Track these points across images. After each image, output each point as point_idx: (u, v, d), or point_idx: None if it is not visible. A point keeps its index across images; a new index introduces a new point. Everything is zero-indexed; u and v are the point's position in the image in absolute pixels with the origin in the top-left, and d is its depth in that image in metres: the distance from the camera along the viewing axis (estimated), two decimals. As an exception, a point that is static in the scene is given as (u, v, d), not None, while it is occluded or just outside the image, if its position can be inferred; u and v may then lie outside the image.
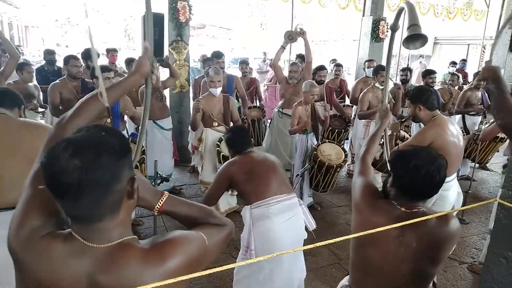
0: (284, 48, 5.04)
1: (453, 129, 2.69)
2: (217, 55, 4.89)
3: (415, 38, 1.92)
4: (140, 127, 1.49)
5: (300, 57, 6.45)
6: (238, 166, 2.43)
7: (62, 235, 0.91)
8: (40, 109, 4.64)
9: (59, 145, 0.82)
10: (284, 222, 2.30)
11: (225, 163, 2.55)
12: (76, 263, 0.87)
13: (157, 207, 1.07)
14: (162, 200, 1.08)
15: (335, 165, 3.73)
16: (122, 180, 0.87)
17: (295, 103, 4.06)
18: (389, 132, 2.75)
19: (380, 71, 4.52)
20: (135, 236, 0.97)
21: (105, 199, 0.84)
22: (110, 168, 0.83)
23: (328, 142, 4.09)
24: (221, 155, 3.53)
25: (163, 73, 4.86)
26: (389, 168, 1.66)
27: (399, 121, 4.01)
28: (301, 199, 3.91)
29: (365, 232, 1.15)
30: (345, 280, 1.75)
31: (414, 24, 1.85)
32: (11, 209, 1.72)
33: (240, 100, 5.07)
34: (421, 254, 1.45)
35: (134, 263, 0.88)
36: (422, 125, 2.89)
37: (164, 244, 0.94)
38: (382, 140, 3.56)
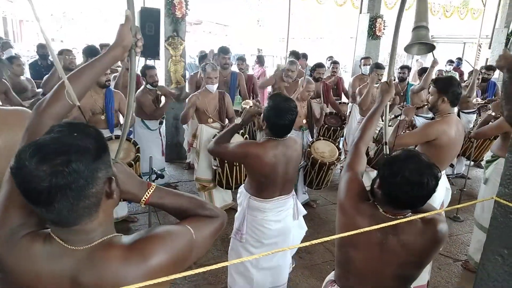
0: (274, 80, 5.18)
1: (459, 129, 2.64)
2: (225, 51, 4.86)
3: (420, 44, 1.72)
4: (124, 119, 1.40)
5: (294, 53, 6.44)
6: (263, 156, 2.15)
7: (43, 235, 0.88)
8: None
9: (26, 150, 0.77)
10: (274, 213, 2.37)
11: (251, 143, 2.34)
12: (57, 265, 0.85)
13: (144, 200, 1.03)
14: (149, 192, 1.03)
15: (328, 163, 3.72)
16: (97, 183, 0.83)
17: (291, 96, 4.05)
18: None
19: (375, 69, 4.52)
20: (118, 234, 0.94)
21: (80, 203, 0.80)
22: (83, 172, 0.78)
23: (323, 139, 4.08)
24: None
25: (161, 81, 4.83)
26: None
27: (414, 107, 4.00)
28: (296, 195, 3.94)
29: (350, 233, 1.15)
30: (331, 275, 1.72)
31: (420, 25, 1.60)
32: None
33: (241, 96, 5.06)
34: (404, 259, 1.42)
35: (115, 263, 0.86)
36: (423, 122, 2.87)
37: (146, 241, 0.90)
38: (376, 135, 3.55)
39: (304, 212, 2.69)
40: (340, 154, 3.95)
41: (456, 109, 2.65)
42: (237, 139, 3.68)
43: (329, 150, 3.90)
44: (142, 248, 0.88)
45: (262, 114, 2.22)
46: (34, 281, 0.85)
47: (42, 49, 5.63)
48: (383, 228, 1.33)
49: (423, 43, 1.63)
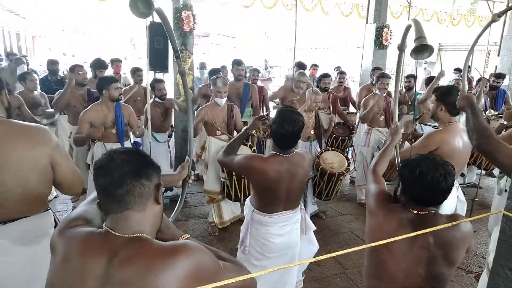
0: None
1: (464, 138, 2.64)
2: (239, 62, 4.92)
3: (422, 49, 2.05)
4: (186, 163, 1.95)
5: (299, 65, 6.48)
6: (266, 171, 2.15)
7: (96, 229, 1.07)
8: (51, 116, 4.65)
9: (113, 149, 1.10)
10: (279, 229, 2.35)
11: (257, 157, 2.29)
12: (99, 249, 1.00)
13: None
14: (182, 238, 1.20)
15: (337, 173, 3.70)
16: (151, 179, 1.07)
17: (299, 109, 4.06)
18: (401, 130, 2.71)
19: (380, 78, 4.53)
20: (157, 240, 1.08)
21: (136, 187, 1.03)
22: (143, 164, 1.08)
23: (332, 150, 4.07)
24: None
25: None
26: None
27: (412, 120, 4.01)
28: (305, 208, 3.92)
29: (378, 243, 1.15)
30: None
31: (420, 36, 1.98)
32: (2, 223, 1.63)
33: (253, 108, 5.10)
34: (434, 255, 1.50)
35: (146, 256, 0.97)
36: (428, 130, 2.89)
37: (180, 246, 1.03)
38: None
39: (314, 228, 2.64)
40: (349, 164, 3.94)
41: (461, 118, 2.68)
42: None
43: (338, 160, 3.88)
44: (175, 249, 1.00)
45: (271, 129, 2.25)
46: (74, 257, 1.01)
47: (52, 65, 5.75)
48: (412, 224, 1.50)
49: (424, 49, 2.05)
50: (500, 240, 1.11)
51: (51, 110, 4.54)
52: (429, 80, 5.22)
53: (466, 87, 2.31)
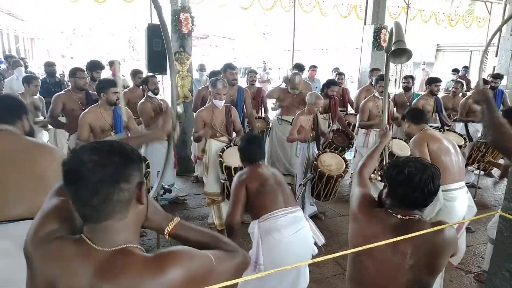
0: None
1: (443, 138, 2.94)
2: (232, 66, 4.92)
3: (400, 52, 2.03)
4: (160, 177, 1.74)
5: (298, 66, 6.49)
6: (251, 176, 2.45)
7: (73, 238, 0.97)
8: (49, 126, 4.65)
9: (82, 146, 0.95)
10: (293, 234, 2.30)
11: (237, 175, 2.56)
12: (81, 265, 0.91)
13: (167, 231, 1.11)
14: (172, 224, 1.11)
15: (335, 176, 3.71)
16: (131, 181, 0.94)
17: (298, 112, 4.07)
18: (378, 141, 2.79)
19: (379, 81, 4.53)
20: (141, 247, 0.98)
21: (114, 194, 0.91)
22: (121, 166, 0.92)
23: (329, 151, 4.08)
24: (223, 166, 3.53)
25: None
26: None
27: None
28: (303, 209, 3.92)
29: (365, 247, 1.15)
30: None
31: (399, 40, 1.95)
32: (14, 221, 1.74)
33: (247, 113, 5.03)
34: (416, 262, 1.47)
35: (134, 270, 0.90)
36: None
37: (166, 255, 0.95)
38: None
39: (323, 241, 2.60)
40: (347, 166, 3.94)
41: (426, 125, 3.11)
42: (230, 153, 3.70)
43: (335, 162, 3.89)
44: (161, 260, 0.93)
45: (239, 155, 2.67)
46: (56, 277, 0.92)
47: (50, 67, 5.76)
48: (395, 230, 1.46)
49: (402, 53, 2.02)
50: (497, 241, 1.12)
51: (42, 119, 4.60)
52: (431, 80, 5.18)
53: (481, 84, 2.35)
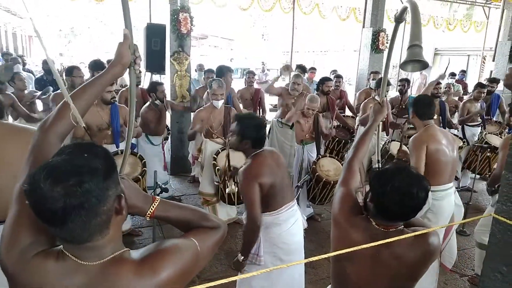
0: (276, 81, 5.17)
1: (444, 138, 2.82)
2: (230, 69, 5.00)
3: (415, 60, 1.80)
4: (126, 133, 1.43)
5: (300, 67, 6.50)
6: (263, 172, 2.20)
7: (54, 253, 0.90)
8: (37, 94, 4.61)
9: (40, 172, 0.80)
10: (291, 227, 2.36)
11: (243, 170, 2.26)
12: (71, 281, 0.87)
13: (149, 213, 1.05)
14: (153, 206, 1.05)
15: (332, 181, 3.71)
16: (108, 201, 0.86)
17: (299, 111, 4.10)
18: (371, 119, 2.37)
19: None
20: (127, 249, 0.97)
21: (92, 221, 0.84)
22: (95, 191, 0.82)
23: (329, 156, 4.08)
24: (216, 169, 3.52)
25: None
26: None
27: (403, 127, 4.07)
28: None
29: (345, 251, 1.16)
30: None
31: (415, 44, 1.70)
32: None
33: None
34: (397, 272, 1.44)
35: (127, 278, 0.89)
36: None
37: (156, 256, 0.94)
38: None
39: (306, 225, 2.65)
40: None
41: (431, 121, 2.88)
42: (238, 155, 3.68)
43: (334, 168, 3.89)
44: (152, 263, 0.92)
45: (237, 137, 2.28)
46: None
47: (47, 65, 5.75)
48: (376, 240, 1.35)
49: (416, 61, 1.73)
50: (490, 243, 1.13)
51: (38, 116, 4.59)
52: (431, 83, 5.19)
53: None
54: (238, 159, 3.64)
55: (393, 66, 19.27)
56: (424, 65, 1.75)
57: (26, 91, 4.74)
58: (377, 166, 2.48)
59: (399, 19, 2.08)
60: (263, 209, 2.28)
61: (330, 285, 1.73)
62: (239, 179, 2.30)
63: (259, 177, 2.18)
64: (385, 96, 2.18)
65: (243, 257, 2.25)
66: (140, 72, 4.11)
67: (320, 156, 4.02)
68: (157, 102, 4.24)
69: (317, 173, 3.75)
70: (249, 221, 2.18)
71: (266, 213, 2.31)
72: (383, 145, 4.51)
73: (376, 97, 4.57)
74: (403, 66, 1.79)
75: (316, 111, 4.09)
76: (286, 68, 5.05)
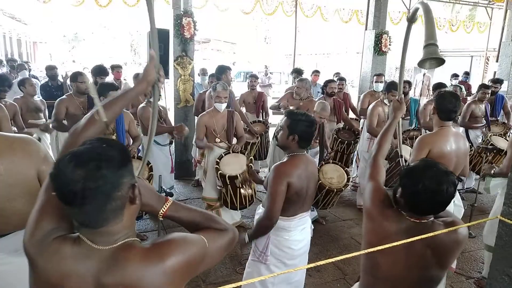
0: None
1: (456, 143, 2.68)
2: (229, 67, 5.02)
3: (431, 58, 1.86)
4: (148, 137, 1.51)
5: (296, 71, 6.51)
6: (297, 174, 2.16)
7: (72, 238, 0.99)
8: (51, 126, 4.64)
9: (64, 158, 0.91)
10: (300, 232, 2.37)
11: (278, 165, 2.20)
12: (83, 265, 0.94)
13: (161, 212, 1.13)
14: (166, 206, 1.13)
15: (335, 190, 3.65)
16: (122, 188, 0.94)
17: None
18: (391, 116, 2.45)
19: (392, 89, 4.38)
20: (137, 239, 1.03)
21: (107, 205, 0.92)
22: (110, 177, 0.91)
23: (332, 162, 4.00)
24: (219, 173, 3.52)
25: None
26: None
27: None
28: None
29: (376, 248, 1.16)
30: (356, 285, 1.81)
31: (431, 43, 1.77)
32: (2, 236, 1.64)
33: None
34: (429, 262, 1.50)
35: (135, 262, 0.95)
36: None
37: (164, 244, 1.01)
38: (389, 153, 3.54)
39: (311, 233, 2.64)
40: (348, 180, 3.84)
41: (450, 123, 2.73)
42: (241, 160, 3.70)
43: (337, 175, 3.79)
44: (160, 249, 0.98)
45: (285, 132, 2.21)
46: (61, 279, 0.94)
47: (51, 71, 5.80)
48: (409, 232, 1.48)
49: (433, 58, 1.81)
50: (496, 245, 1.12)
51: (44, 122, 4.62)
52: (437, 86, 5.13)
53: None
54: (237, 164, 3.65)
55: (396, 68, 19.27)
56: (441, 62, 1.82)
57: (35, 97, 4.79)
58: (401, 163, 2.54)
59: (411, 19, 2.13)
60: (281, 211, 2.25)
61: (357, 282, 1.79)
62: (270, 173, 2.23)
63: (291, 176, 2.14)
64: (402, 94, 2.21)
65: (248, 241, 2.28)
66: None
67: (323, 163, 3.95)
68: (151, 99, 4.26)
69: (319, 181, 3.62)
70: (266, 217, 2.16)
71: (280, 217, 2.27)
72: (390, 149, 4.49)
73: (385, 101, 4.54)
74: (420, 64, 1.86)
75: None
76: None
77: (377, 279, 1.62)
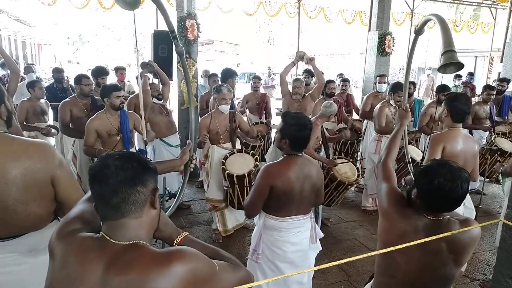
0: (295, 64, 5.10)
1: (465, 144, 2.72)
2: (235, 73, 5.10)
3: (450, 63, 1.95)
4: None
5: (307, 71, 6.50)
6: (282, 178, 2.18)
7: (94, 235, 1.09)
8: (53, 130, 4.67)
9: (108, 154, 1.09)
10: (292, 235, 2.33)
11: (267, 166, 2.25)
12: (96, 257, 1.01)
13: (176, 242, 1.23)
14: (181, 236, 1.24)
15: (353, 182, 3.81)
16: (146, 185, 1.06)
17: (313, 122, 4.07)
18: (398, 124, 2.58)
19: (399, 91, 4.40)
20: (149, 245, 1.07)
21: (131, 194, 1.03)
22: (139, 171, 1.06)
23: (338, 158, 4.08)
24: (226, 173, 3.54)
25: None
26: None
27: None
28: (316, 219, 3.96)
29: (391, 248, 1.16)
30: (368, 286, 1.83)
31: (450, 49, 1.88)
32: (17, 237, 1.65)
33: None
34: (445, 259, 1.54)
35: (142, 263, 0.99)
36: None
37: (174, 251, 1.04)
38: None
39: (321, 235, 2.61)
40: (358, 176, 3.94)
41: (460, 125, 2.75)
42: (248, 160, 3.71)
43: (349, 168, 3.93)
44: (169, 255, 1.01)
45: (278, 135, 2.27)
46: (73, 270, 1.02)
47: (58, 73, 5.83)
48: (426, 229, 1.55)
49: (452, 63, 1.93)
50: (500, 249, 1.12)
51: (47, 124, 4.64)
52: (441, 89, 5.03)
53: None
54: (244, 164, 3.66)
55: (400, 69, 19.21)
56: (460, 66, 1.95)
57: (42, 101, 4.83)
58: (409, 167, 2.70)
59: (419, 31, 2.25)
60: (269, 210, 2.31)
61: (369, 283, 1.81)
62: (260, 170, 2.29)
63: (274, 179, 2.18)
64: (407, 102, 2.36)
65: None
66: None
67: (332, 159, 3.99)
68: (154, 100, 4.34)
69: (338, 179, 3.75)
70: (247, 207, 2.32)
71: (270, 215, 2.31)
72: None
73: (391, 102, 4.54)
74: (441, 69, 1.97)
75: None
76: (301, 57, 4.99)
77: (394, 279, 1.65)
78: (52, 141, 5.19)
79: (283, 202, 2.25)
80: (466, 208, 2.93)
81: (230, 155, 3.73)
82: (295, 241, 2.33)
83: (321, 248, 2.64)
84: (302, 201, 2.29)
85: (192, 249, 1.07)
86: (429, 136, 4.71)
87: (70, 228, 1.11)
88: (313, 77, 6.87)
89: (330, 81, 5.22)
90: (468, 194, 2.92)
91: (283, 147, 2.27)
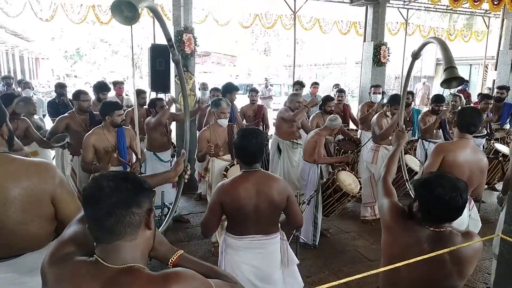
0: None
1: (472, 156, 2.70)
2: (237, 88, 5.21)
3: (452, 78, 2.10)
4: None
5: (299, 83, 6.56)
6: (231, 196, 2.08)
7: (87, 259, 1.06)
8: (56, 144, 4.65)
9: (101, 174, 1.08)
10: (253, 256, 2.17)
11: (220, 184, 2.19)
12: (90, 282, 0.99)
13: (171, 261, 1.22)
14: (176, 255, 1.23)
15: (357, 194, 3.90)
16: (141, 206, 1.04)
17: (317, 133, 4.09)
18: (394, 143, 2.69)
19: (396, 104, 4.42)
20: (145, 267, 1.05)
21: (126, 216, 1.01)
22: (133, 192, 1.04)
23: (342, 170, 4.11)
24: None
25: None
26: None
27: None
28: (315, 225, 3.99)
29: (396, 265, 1.16)
30: None
31: (451, 66, 2.02)
32: (18, 256, 1.64)
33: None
34: (449, 271, 1.57)
35: (139, 286, 0.97)
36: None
37: (170, 274, 1.03)
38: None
39: (297, 261, 2.35)
40: (360, 188, 4.03)
41: (470, 136, 2.80)
42: (234, 172, 3.71)
43: (353, 180, 4.01)
44: (165, 278, 1.00)
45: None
46: None
47: (60, 88, 5.85)
48: (429, 240, 1.59)
49: (454, 78, 2.08)
50: (499, 263, 1.13)
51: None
52: (435, 99, 5.03)
53: None
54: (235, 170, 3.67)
55: (396, 77, 19.36)
56: (461, 80, 2.11)
57: (35, 116, 4.82)
58: (407, 185, 2.83)
59: (416, 55, 2.33)
60: (227, 227, 2.21)
61: None
62: None
63: (224, 196, 2.09)
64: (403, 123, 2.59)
65: None
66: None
67: (337, 171, 4.02)
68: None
69: (343, 191, 3.84)
70: (202, 225, 2.19)
71: (228, 233, 2.20)
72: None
73: (388, 113, 4.59)
74: (443, 84, 2.13)
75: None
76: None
77: None
78: (51, 153, 5.18)
79: (237, 219, 2.13)
80: (472, 219, 2.93)
81: (230, 166, 3.75)
82: (256, 264, 2.15)
83: (303, 284, 2.39)
84: (259, 219, 2.11)
85: (188, 271, 1.06)
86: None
87: (63, 252, 1.08)
88: (303, 87, 6.87)
89: (329, 99, 5.17)
90: (474, 206, 2.95)
91: (239, 163, 2.23)
